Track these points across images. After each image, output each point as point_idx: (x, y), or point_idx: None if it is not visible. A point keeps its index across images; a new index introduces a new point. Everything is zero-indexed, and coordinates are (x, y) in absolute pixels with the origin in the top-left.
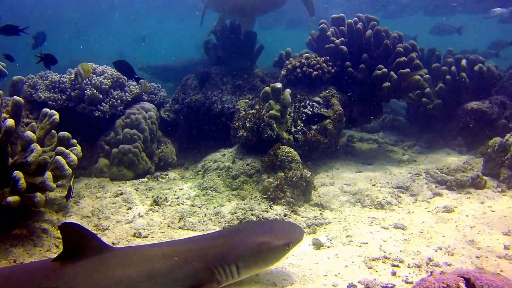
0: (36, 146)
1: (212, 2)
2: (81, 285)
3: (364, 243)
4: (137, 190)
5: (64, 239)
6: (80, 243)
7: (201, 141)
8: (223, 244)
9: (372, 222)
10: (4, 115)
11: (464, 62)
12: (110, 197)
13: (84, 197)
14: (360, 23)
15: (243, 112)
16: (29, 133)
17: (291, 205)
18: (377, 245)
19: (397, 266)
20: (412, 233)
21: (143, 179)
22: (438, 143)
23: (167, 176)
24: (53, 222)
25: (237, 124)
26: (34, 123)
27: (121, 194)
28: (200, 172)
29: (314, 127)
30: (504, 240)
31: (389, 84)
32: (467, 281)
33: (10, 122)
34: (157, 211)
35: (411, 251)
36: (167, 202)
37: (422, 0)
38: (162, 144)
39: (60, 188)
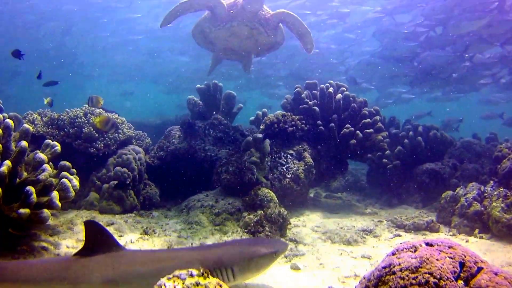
0: (47, 167)
1: (202, 42)
2: (98, 278)
3: (336, 267)
4: (126, 222)
5: (87, 235)
6: (99, 240)
7: (182, 187)
8: (221, 251)
9: (341, 254)
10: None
11: (420, 128)
12: None
13: (77, 224)
14: (331, 87)
15: (226, 159)
16: (41, 155)
17: (269, 238)
18: (348, 268)
19: None
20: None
21: (130, 214)
22: (397, 202)
23: (151, 214)
24: (51, 242)
25: (220, 169)
26: (38, 151)
27: (112, 223)
28: (184, 211)
29: (288, 176)
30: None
31: (355, 141)
32: (427, 243)
33: (24, 143)
34: (147, 240)
35: None
36: (155, 233)
37: None
38: (147, 186)
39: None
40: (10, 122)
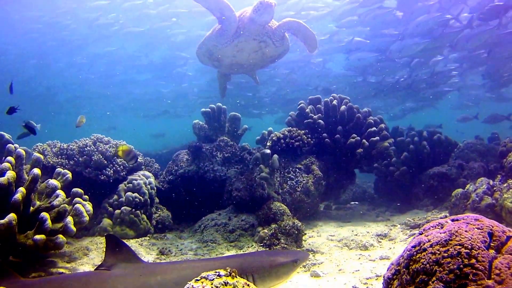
0: (60, 192)
1: (207, 60)
2: None
3: (356, 271)
4: (141, 245)
5: (107, 248)
6: (119, 253)
7: (193, 209)
8: (242, 259)
9: (360, 258)
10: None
11: (425, 133)
12: None
13: (92, 250)
14: (335, 100)
15: (235, 178)
16: (53, 181)
17: (287, 249)
18: (368, 270)
19: None
20: None
21: (145, 238)
22: (407, 207)
23: (165, 237)
24: (68, 268)
25: (230, 187)
26: (50, 179)
27: None
28: (198, 231)
29: (298, 189)
30: None
31: (362, 150)
32: (453, 219)
33: (37, 170)
34: (164, 260)
35: None
36: (171, 253)
37: None
38: (159, 210)
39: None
40: (22, 151)
